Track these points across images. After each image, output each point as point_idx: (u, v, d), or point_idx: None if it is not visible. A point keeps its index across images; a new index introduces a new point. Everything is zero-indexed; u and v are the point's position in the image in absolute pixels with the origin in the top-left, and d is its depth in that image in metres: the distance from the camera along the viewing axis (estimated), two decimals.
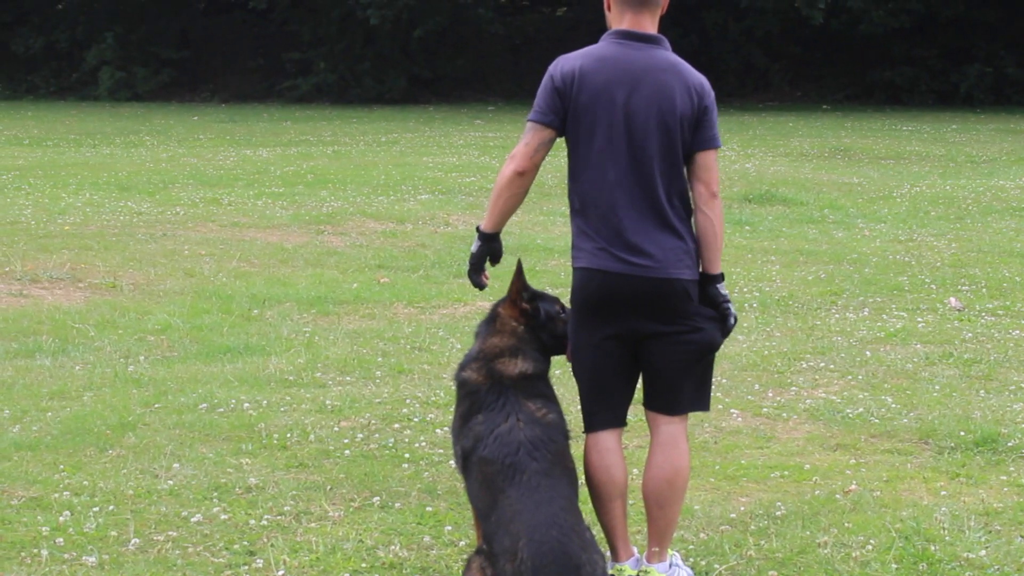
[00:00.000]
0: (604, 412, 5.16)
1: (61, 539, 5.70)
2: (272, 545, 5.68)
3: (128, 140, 26.19)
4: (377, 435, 7.26)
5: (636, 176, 4.98)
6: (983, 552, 5.60)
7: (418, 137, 27.26)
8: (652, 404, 5.20)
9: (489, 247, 5.18)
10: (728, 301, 5.13)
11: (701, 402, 5.25)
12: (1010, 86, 37.78)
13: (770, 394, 8.21)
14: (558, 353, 5.23)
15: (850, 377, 8.64)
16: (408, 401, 7.93)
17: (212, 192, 17.50)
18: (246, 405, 7.79)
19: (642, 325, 5.04)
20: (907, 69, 38.50)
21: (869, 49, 38.55)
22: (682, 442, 5.18)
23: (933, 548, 5.65)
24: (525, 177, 5.03)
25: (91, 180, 18.71)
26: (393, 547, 5.68)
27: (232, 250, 13.26)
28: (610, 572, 5.17)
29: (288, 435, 7.21)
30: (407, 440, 7.17)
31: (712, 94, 5.08)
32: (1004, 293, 11.44)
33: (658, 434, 5.19)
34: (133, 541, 5.71)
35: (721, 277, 5.13)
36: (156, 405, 7.79)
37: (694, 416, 7.60)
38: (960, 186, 19.18)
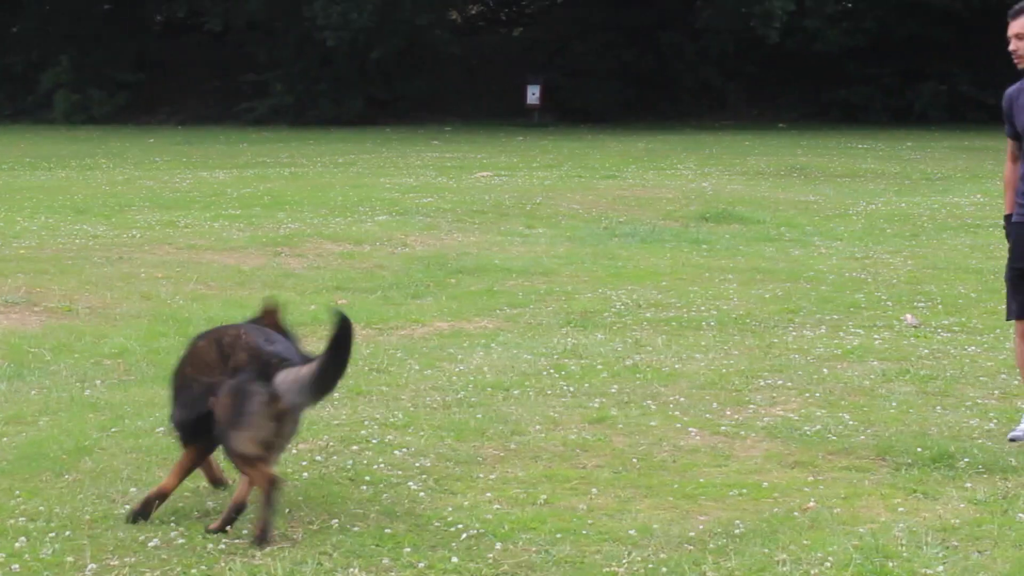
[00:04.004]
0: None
1: (17, 565, 5.65)
2: (230, 569, 5.64)
3: (84, 163, 26.09)
4: (335, 457, 7.23)
5: None
6: (940, 568, 5.63)
7: (375, 158, 27.26)
8: None
9: None
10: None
11: None
12: (964, 104, 38.11)
13: (728, 412, 8.23)
14: None
15: (807, 394, 8.67)
16: (366, 423, 7.91)
17: (168, 215, 17.44)
18: None
19: None
20: (862, 88, 38.80)
21: (824, 68, 38.85)
22: None
23: (891, 564, 5.67)
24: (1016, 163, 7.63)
25: (47, 203, 18.62)
26: (352, 569, 5.66)
27: (189, 273, 13.21)
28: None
29: None
30: (365, 462, 7.14)
31: None
32: (959, 309, 11.51)
33: None
34: (90, 567, 5.66)
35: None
36: (113, 429, 7.73)
37: (653, 435, 7.65)
38: (915, 203, 19.32)
